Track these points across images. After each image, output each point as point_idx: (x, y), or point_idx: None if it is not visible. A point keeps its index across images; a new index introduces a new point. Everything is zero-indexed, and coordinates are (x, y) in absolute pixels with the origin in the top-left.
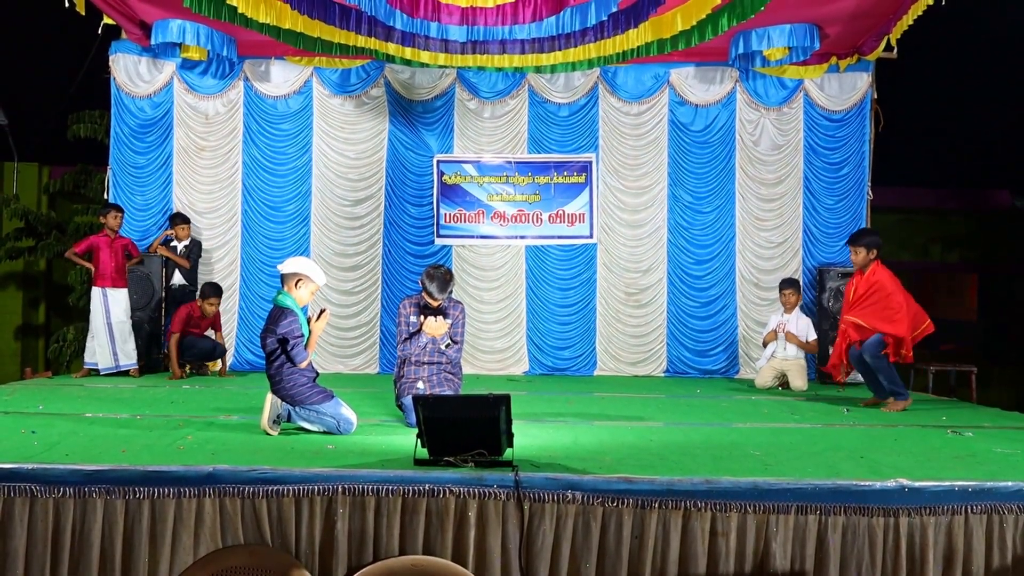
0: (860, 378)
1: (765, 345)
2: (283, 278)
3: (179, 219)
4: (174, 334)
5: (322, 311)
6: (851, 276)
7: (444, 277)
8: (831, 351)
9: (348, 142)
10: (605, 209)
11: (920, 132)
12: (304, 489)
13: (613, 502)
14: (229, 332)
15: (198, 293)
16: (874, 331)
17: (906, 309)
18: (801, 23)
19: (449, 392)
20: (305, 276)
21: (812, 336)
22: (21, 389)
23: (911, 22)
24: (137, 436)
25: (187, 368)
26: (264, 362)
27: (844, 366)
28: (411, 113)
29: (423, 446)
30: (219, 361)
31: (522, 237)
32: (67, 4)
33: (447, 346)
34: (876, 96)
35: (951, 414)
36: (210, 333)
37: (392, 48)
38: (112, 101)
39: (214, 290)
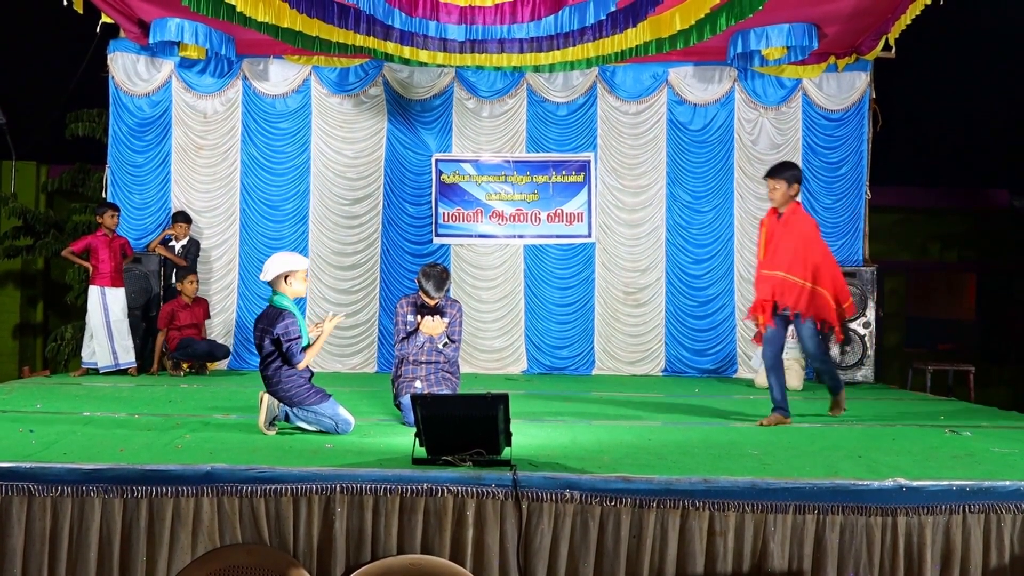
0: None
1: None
2: (272, 283)
3: (179, 217)
4: (160, 331)
5: (334, 315)
6: (762, 222)
7: (440, 275)
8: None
9: (346, 141)
10: (603, 208)
11: (918, 131)
12: (302, 488)
13: (611, 501)
14: (227, 332)
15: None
16: (793, 285)
17: (827, 267)
18: (799, 23)
19: (447, 391)
20: (290, 271)
21: None
22: (19, 388)
23: (909, 21)
24: (135, 435)
25: (185, 367)
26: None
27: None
28: (409, 112)
29: (421, 445)
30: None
31: (520, 236)
32: (65, 3)
33: (444, 345)
34: (874, 95)
35: (949, 414)
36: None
37: (391, 47)
38: (110, 100)
39: (187, 270)
